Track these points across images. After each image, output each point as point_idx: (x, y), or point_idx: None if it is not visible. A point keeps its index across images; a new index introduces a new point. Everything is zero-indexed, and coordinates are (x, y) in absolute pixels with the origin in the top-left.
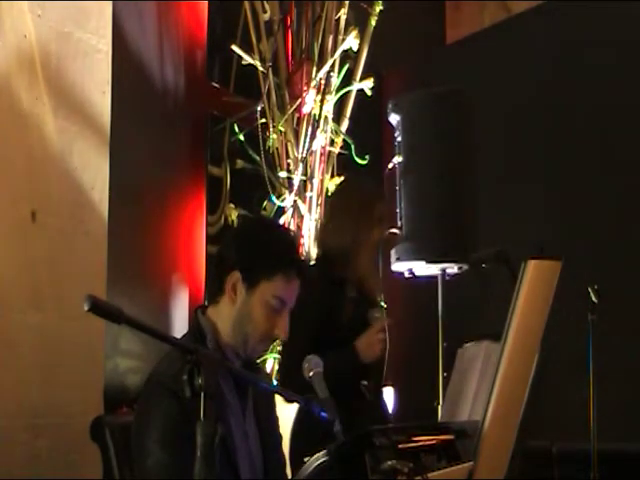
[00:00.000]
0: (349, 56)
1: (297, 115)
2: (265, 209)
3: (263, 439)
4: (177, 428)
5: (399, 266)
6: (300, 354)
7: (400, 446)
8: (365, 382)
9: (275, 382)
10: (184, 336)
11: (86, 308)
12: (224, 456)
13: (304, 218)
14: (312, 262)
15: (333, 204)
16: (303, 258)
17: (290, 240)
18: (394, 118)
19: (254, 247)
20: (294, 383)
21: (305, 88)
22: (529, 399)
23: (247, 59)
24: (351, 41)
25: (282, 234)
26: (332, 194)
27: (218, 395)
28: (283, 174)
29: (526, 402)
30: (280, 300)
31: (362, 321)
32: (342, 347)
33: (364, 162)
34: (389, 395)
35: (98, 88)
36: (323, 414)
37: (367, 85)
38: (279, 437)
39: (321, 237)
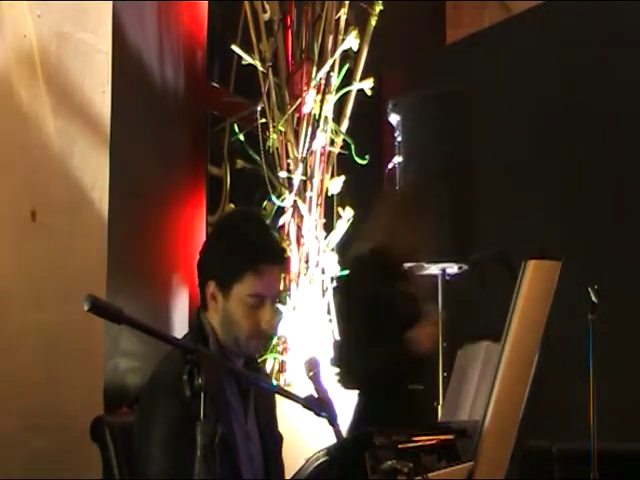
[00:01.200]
0: (349, 56)
1: (297, 115)
2: (265, 209)
3: (264, 440)
4: (179, 430)
5: None
6: (356, 342)
7: (400, 446)
8: (417, 386)
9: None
10: (185, 336)
11: (86, 308)
12: (225, 457)
13: (304, 218)
14: (367, 252)
15: (401, 202)
16: (274, 245)
17: (254, 234)
18: (394, 118)
19: (219, 253)
20: (354, 371)
21: (305, 88)
22: (529, 399)
23: (247, 59)
24: (351, 41)
25: (245, 229)
26: (401, 193)
27: (220, 396)
28: (283, 174)
29: (526, 402)
30: (257, 296)
31: (416, 316)
32: (394, 340)
33: (364, 162)
34: None
35: (98, 88)
36: (323, 414)
37: (367, 85)
38: (279, 438)
39: (384, 229)
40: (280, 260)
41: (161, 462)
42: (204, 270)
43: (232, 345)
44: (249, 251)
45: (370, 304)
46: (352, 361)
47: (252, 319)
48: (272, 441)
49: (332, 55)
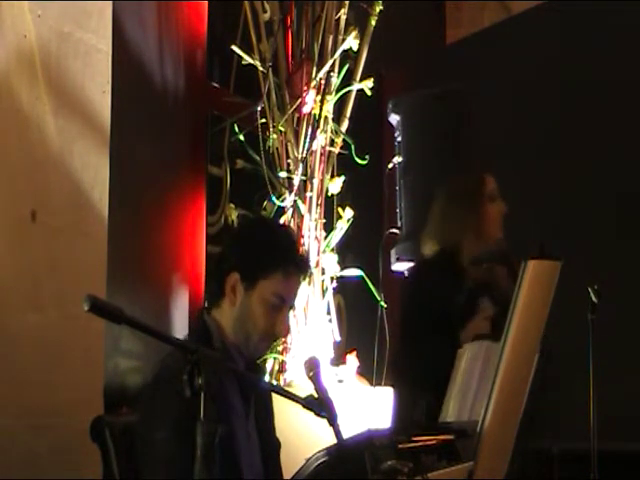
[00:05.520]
0: (349, 56)
1: (297, 115)
2: (265, 209)
3: (262, 442)
4: (182, 429)
5: (399, 266)
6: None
7: (400, 446)
8: None
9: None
10: (186, 337)
11: (86, 308)
12: (227, 458)
13: (304, 218)
14: (431, 255)
15: (446, 197)
16: (303, 255)
17: (288, 238)
18: (394, 118)
19: (251, 247)
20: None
21: (305, 88)
22: (530, 399)
23: (247, 59)
24: (351, 41)
25: (280, 232)
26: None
27: (221, 397)
28: (283, 174)
29: (527, 402)
30: (279, 297)
31: (471, 309)
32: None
33: (364, 162)
34: (389, 395)
35: (98, 88)
36: (323, 414)
37: (367, 85)
38: (276, 440)
39: (440, 229)
40: (306, 271)
41: (166, 462)
42: (229, 260)
43: (241, 343)
44: (283, 252)
45: (425, 301)
46: (404, 360)
47: (269, 320)
48: (270, 443)
49: (332, 55)
